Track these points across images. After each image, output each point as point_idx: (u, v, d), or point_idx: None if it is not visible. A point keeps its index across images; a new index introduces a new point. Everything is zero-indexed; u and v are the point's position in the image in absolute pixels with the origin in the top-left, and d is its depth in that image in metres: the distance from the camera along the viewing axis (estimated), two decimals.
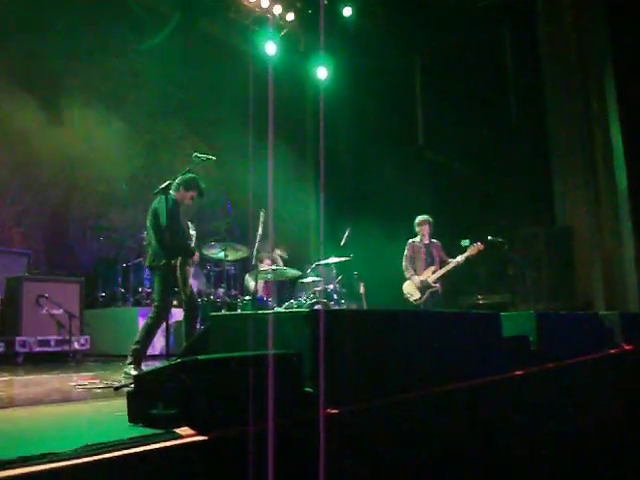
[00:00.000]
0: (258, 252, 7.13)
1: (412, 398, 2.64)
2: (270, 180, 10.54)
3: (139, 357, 5.00)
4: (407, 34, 11.55)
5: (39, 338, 6.84)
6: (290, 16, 11.52)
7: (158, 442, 1.71)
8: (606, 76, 9.63)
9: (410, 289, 7.51)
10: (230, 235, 7.83)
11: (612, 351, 5.36)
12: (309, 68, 12.46)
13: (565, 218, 9.74)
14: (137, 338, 5.05)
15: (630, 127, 9.45)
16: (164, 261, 5.01)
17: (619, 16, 9.43)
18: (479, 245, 7.31)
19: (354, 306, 8.18)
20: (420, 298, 7.38)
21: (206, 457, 1.78)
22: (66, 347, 6.88)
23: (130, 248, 8.58)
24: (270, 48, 11.44)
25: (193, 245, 5.99)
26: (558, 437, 3.78)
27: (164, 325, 4.85)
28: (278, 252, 8.08)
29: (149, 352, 5.62)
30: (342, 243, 8.27)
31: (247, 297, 7.66)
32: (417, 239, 7.69)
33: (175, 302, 6.50)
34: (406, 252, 7.68)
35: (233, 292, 8.18)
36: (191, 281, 5.54)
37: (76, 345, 7.03)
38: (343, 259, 7.85)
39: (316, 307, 7.17)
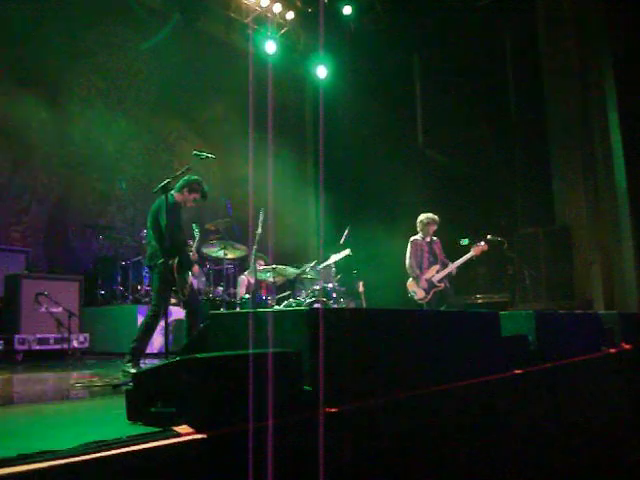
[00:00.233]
0: (257, 252, 7.14)
1: (411, 397, 2.64)
2: (270, 179, 10.55)
3: (138, 355, 5.00)
4: (407, 33, 11.55)
5: (38, 336, 6.85)
6: (290, 15, 11.51)
7: (157, 440, 1.71)
8: (606, 76, 9.63)
9: (415, 287, 7.38)
10: (230, 234, 7.82)
11: (611, 350, 5.36)
12: (309, 67, 12.46)
13: (564, 218, 9.74)
14: (135, 336, 5.05)
15: (629, 127, 9.46)
16: (162, 260, 5.01)
17: (619, 15, 9.44)
18: (482, 246, 7.20)
19: (353, 305, 8.18)
20: (425, 297, 7.26)
21: (205, 455, 1.78)
22: (65, 345, 6.88)
23: (129, 246, 8.58)
24: (270, 47, 11.44)
25: (195, 246, 6.00)
26: (557, 437, 3.78)
27: (163, 323, 4.85)
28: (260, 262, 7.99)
29: (148, 350, 5.62)
30: (341, 242, 8.28)
31: (246, 295, 7.66)
32: (419, 237, 7.55)
33: (173, 300, 6.51)
34: (410, 250, 7.50)
35: (232, 291, 8.18)
36: (191, 280, 5.54)
37: (75, 343, 7.03)
38: (342, 254, 7.84)
39: (315, 306, 7.18)
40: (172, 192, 5.32)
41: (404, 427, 2.56)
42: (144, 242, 7.19)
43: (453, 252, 7.58)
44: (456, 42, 10.88)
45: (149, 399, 2.09)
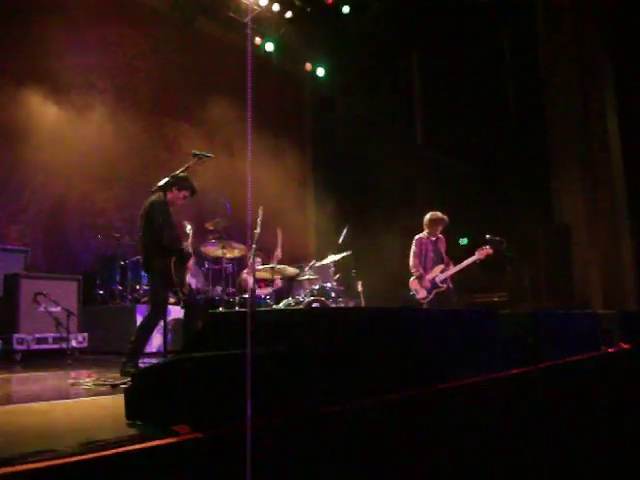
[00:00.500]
0: (255, 250, 7.14)
1: (408, 397, 2.64)
2: (268, 178, 10.55)
3: (136, 355, 5.00)
4: (406, 32, 11.55)
5: (37, 335, 6.85)
6: (288, 14, 11.50)
7: (155, 440, 1.71)
8: (605, 75, 9.65)
9: (417, 286, 7.25)
10: (228, 233, 7.82)
11: (610, 350, 5.36)
12: (307, 66, 12.45)
13: (563, 217, 9.76)
14: (134, 336, 5.05)
15: (628, 127, 9.47)
16: (159, 261, 5.01)
17: (618, 16, 9.45)
18: (487, 249, 7.03)
19: (352, 304, 8.19)
20: (426, 297, 7.15)
21: (203, 455, 1.78)
22: (64, 344, 6.87)
23: (128, 246, 8.57)
24: (268, 46, 11.44)
25: (189, 244, 5.98)
26: (556, 436, 3.79)
27: (162, 323, 4.85)
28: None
29: (147, 350, 5.63)
30: (340, 241, 8.29)
31: (245, 295, 7.67)
32: (424, 235, 7.38)
33: (172, 300, 6.50)
34: (414, 249, 7.34)
35: (231, 290, 8.19)
36: (190, 279, 5.54)
37: (74, 343, 7.02)
38: (342, 255, 7.85)
39: (314, 305, 7.19)
40: (159, 193, 5.26)
41: (401, 428, 2.56)
42: (140, 243, 7.18)
43: (452, 251, 7.55)
44: (455, 41, 10.88)
45: (148, 398, 2.09)
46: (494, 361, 3.54)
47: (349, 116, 12.80)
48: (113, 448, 1.60)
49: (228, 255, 7.60)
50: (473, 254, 7.12)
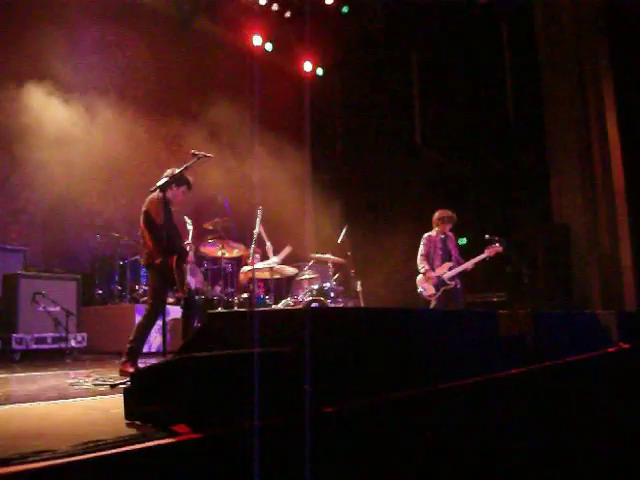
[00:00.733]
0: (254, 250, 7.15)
1: (407, 397, 2.64)
2: (266, 177, 10.55)
3: (135, 355, 5.00)
4: (405, 31, 11.54)
5: (36, 335, 6.84)
6: (288, 14, 11.50)
7: (154, 440, 1.71)
8: (604, 75, 9.64)
9: (424, 284, 7.20)
10: (227, 233, 7.82)
11: (609, 350, 5.36)
12: (306, 65, 12.45)
13: (562, 216, 9.75)
14: (132, 336, 5.05)
15: (627, 126, 9.47)
16: (159, 259, 5.01)
17: (618, 15, 9.45)
18: (497, 247, 7.03)
19: (351, 304, 8.19)
20: (434, 294, 7.09)
21: (202, 454, 1.78)
22: (63, 344, 6.88)
23: (127, 246, 8.57)
24: (267, 45, 11.45)
25: (189, 241, 5.99)
26: (556, 436, 3.78)
27: (161, 323, 4.85)
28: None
29: (145, 350, 5.62)
30: (339, 241, 8.29)
31: (244, 295, 7.67)
32: (433, 233, 7.36)
33: (171, 300, 6.50)
34: (422, 246, 7.32)
35: (230, 290, 8.19)
36: (189, 279, 5.54)
37: (73, 342, 7.02)
38: (338, 259, 7.87)
39: (313, 305, 7.18)
40: (157, 192, 5.27)
41: (401, 427, 2.56)
42: (140, 242, 7.19)
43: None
44: (454, 40, 10.87)
45: (147, 398, 2.09)
46: (494, 361, 3.54)
47: (348, 115, 12.81)
48: (112, 448, 1.60)
49: (227, 255, 7.60)
50: (482, 252, 7.10)
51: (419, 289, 7.28)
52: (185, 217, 6.11)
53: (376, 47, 11.76)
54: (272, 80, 11.88)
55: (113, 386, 3.88)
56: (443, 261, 7.23)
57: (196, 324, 5.49)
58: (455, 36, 10.77)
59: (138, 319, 5.40)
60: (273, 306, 7.46)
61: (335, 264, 8.09)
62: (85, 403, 3.33)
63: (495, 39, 10.91)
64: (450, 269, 7.14)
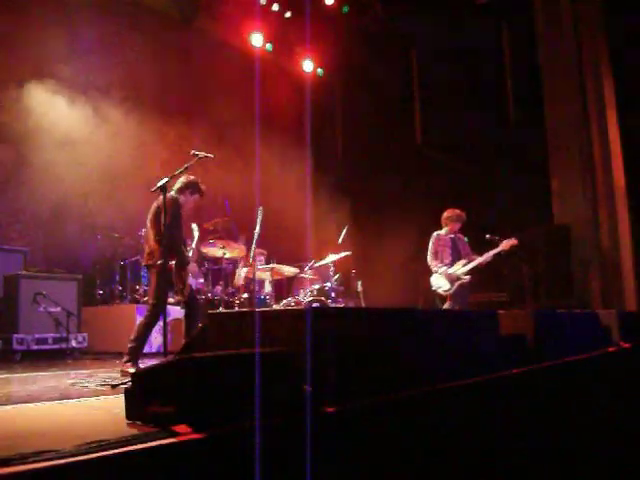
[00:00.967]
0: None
1: (409, 397, 2.64)
2: (265, 177, 10.55)
3: (136, 355, 5.00)
4: (405, 30, 11.54)
5: (37, 336, 6.84)
6: (288, 14, 11.51)
7: (155, 440, 1.71)
8: (604, 74, 9.64)
9: (439, 281, 7.16)
10: (228, 233, 7.83)
11: (610, 349, 5.36)
12: (306, 65, 12.46)
13: (563, 216, 9.75)
14: (133, 336, 5.05)
15: (628, 125, 9.47)
16: (161, 260, 5.01)
17: (617, 14, 9.44)
18: (512, 240, 7.01)
19: (351, 304, 8.19)
20: (449, 289, 7.06)
21: (203, 455, 1.78)
22: (64, 345, 6.88)
23: (128, 246, 8.57)
24: (268, 45, 11.45)
25: (194, 246, 6.00)
26: (556, 436, 3.79)
27: (162, 323, 4.85)
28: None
29: (146, 350, 5.62)
30: (340, 241, 8.29)
31: (245, 295, 7.67)
32: (443, 232, 7.35)
33: (171, 300, 6.51)
34: (431, 244, 7.29)
35: (231, 290, 8.19)
36: (190, 280, 5.54)
37: (74, 343, 7.03)
38: (342, 255, 7.85)
39: (313, 305, 7.19)
40: (172, 193, 5.33)
41: (402, 427, 2.56)
42: (142, 241, 7.20)
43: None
44: (455, 40, 10.87)
45: (148, 399, 2.09)
46: (494, 361, 3.54)
47: (348, 114, 12.81)
48: (114, 448, 1.60)
49: (228, 255, 7.60)
50: (497, 246, 7.06)
51: (434, 287, 7.23)
52: (192, 224, 6.14)
53: (376, 47, 11.76)
54: (272, 80, 11.88)
55: (114, 386, 3.88)
56: (453, 260, 7.21)
57: (197, 324, 5.50)
58: (455, 36, 10.77)
59: (139, 319, 5.41)
60: (274, 306, 7.47)
61: (337, 263, 8.08)
62: (86, 403, 3.34)
63: (496, 39, 10.91)
64: (464, 265, 7.13)
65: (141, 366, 4.85)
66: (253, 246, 7.10)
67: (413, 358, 2.86)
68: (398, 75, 12.16)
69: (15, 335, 6.69)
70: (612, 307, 8.29)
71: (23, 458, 1.48)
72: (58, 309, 6.91)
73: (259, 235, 7.05)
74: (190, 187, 5.45)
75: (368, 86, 12.12)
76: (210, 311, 4.33)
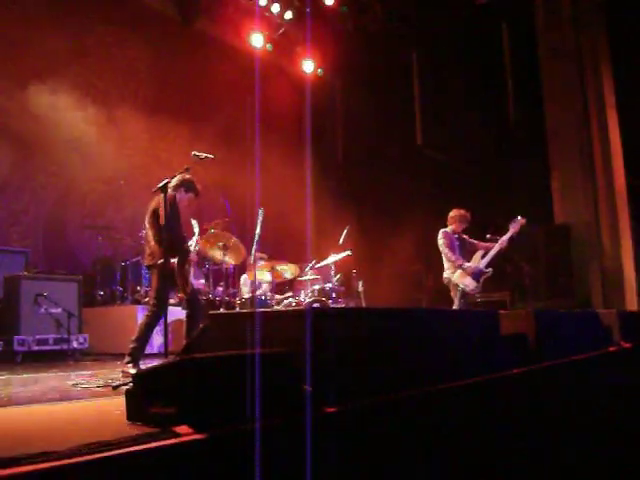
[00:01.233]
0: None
1: (410, 397, 2.64)
2: (266, 178, 10.55)
3: (137, 355, 5.01)
4: (405, 31, 11.55)
5: (37, 337, 6.85)
6: (288, 14, 11.51)
7: (157, 441, 1.71)
8: (605, 75, 9.65)
9: (464, 279, 6.97)
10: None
11: (611, 349, 5.36)
12: (306, 65, 12.46)
13: (563, 216, 9.75)
14: (135, 337, 5.06)
15: (628, 125, 9.47)
16: (162, 260, 5.01)
17: (618, 13, 9.45)
18: (520, 220, 7.00)
19: (352, 304, 8.19)
20: (477, 287, 6.96)
21: (204, 456, 1.78)
22: (65, 346, 6.89)
23: (128, 246, 8.58)
24: (268, 46, 11.45)
25: (195, 242, 6.00)
26: (556, 437, 3.79)
27: (163, 323, 4.85)
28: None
29: (147, 350, 5.62)
30: (340, 241, 8.28)
31: (245, 295, 7.68)
32: (449, 229, 7.25)
33: (172, 301, 6.51)
34: (443, 241, 7.10)
35: (232, 291, 8.20)
36: (192, 280, 5.55)
37: (75, 344, 7.03)
38: (342, 255, 7.85)
39: (315, 305, 7.19)
40: (169, 191, 5.33)
41: (403, 428, 2.57)
42: (143, 242, 7.20)
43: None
44: (455, 40, 10.88)
45: (149, 399, 2.10)
46: (495, 361, 3.54)
47: (348, 114, 12.81)
48: (115, 449, 1.61)
49: (228, 256, 7.59)
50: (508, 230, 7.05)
51: (460, 286, 7.00)
52: (192, 219, 6.14)
53: (376, 47, 11.76)
54: (273, 81, 11.88)
55: (115, 387, 3.88)
56: (461, 255, 7.11)
57: (198, 325, 5.50)
58: (455, 36, 10.78)
59: (140, 320, 5.41)
60: (275, 307, 7.46)
61: (338, 264, 8.07)
62: (87, 404, 3.34)
63: (496, 39, 10.91)
64: (483, 257, 7.05)
65: (142, 367, 4.85)
66: (254, 247, 7.10)
67: (413, 358, 2.86)
68: (398, 75, 12.16)
69: (16, 336, 6.70)
70: (613, 307, 8.29)
71: (24, 459, 1.49)
72: (59, 310, 6.92)
73: (259, 236, 7.04)
74: (184, 185, 5.44)
75: (368, 86, 12.11)
76: (211, 312, 4.34)
